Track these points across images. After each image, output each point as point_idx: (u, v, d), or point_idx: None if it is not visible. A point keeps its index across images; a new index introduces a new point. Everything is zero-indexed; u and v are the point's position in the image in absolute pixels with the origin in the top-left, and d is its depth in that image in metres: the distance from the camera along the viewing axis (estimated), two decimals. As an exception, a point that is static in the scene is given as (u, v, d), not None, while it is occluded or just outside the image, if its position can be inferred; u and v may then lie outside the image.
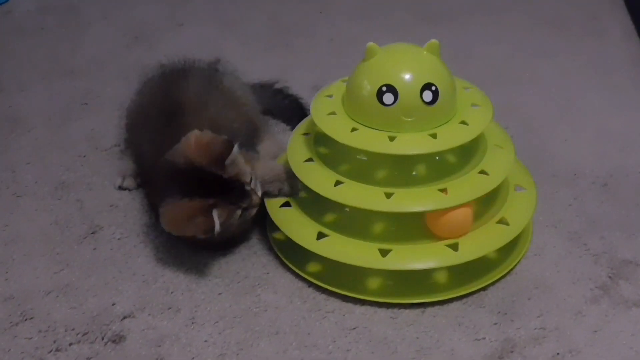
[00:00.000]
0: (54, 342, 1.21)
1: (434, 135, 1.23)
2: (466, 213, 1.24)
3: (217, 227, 1.21)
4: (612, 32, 2.03)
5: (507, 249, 1.31)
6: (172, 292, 1.29)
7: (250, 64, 1.77)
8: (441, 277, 1.28)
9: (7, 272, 1.34)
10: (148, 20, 2.15)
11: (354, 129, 1.25)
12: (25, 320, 1.25)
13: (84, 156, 1.61)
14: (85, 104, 1.79)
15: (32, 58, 2.00)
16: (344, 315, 1.24)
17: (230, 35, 2.07)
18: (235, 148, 1.24)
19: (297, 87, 1.70)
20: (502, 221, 1.28)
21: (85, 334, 1.22)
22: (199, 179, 1.23)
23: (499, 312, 1.24)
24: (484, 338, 1.20)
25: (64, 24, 2.16)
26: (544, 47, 1.98)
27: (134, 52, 2.00)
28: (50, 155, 1.62)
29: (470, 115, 1.27)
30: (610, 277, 1.30)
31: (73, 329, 1.23)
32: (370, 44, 1.25)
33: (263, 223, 1.40)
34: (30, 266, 1.35)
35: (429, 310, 1.24)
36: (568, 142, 1.62)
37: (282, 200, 1.33)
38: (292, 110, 1.63)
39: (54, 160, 1.61)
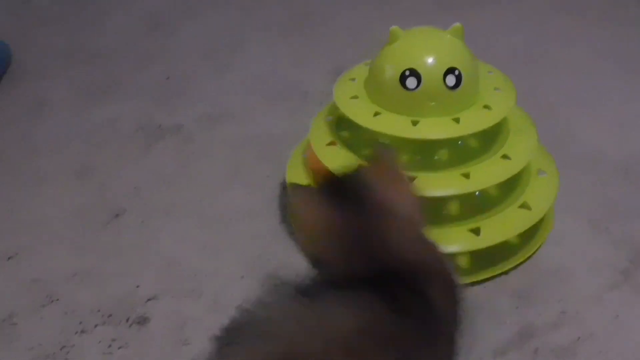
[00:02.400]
0: (80, 323, 1.22)
1: (457, 120, 1.23)
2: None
3: None
4: (633, 17, 2.02)
5: (529, 234, 1.30)
6: (195, 276, 1.30)
7: (269, 50, 1.78)
8: (463, 261, 1.28)
9: (32, 256, 1.35)
10: (167, 8, 2.16)
11: (376, 113, 1.25)
12: (51, 302, 1.26)
13: (106, 141, 1.63)
14: (106, 90, 1.80)
15: (53, 45, 2.01)
16: (365, 299, 1.25)
17: (248, 22, 2.07)
18: None
19: (315, 73, 1.70)
20: (524, 206, 1.28)
21: (109, 315, 1.23)
22: None
23: (520, 296, 1.24)
24: (505, 322, 1.20)
25: (83, 12, 2.17)
26: (565, 33, 1.97)
27: (154, 39, 2.01)
28: (72, 141, 1.63)
29: (493, 100, 1.27)
30: (630, 262, 1.30)
31: (98, 311, 1.24)
32: (394, 27, 1.25)
33: (285, 208, 1.41)
34: (55, 250, 1.37)
35: (450, 294, 1.25)
36: (589, 128, 1.61)
37: (305, 183, 1.34)
38: None
39: (76, 146, 1.62)
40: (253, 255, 1.33)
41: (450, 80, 1.22)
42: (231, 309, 1.22)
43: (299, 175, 1.36)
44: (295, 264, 1.31)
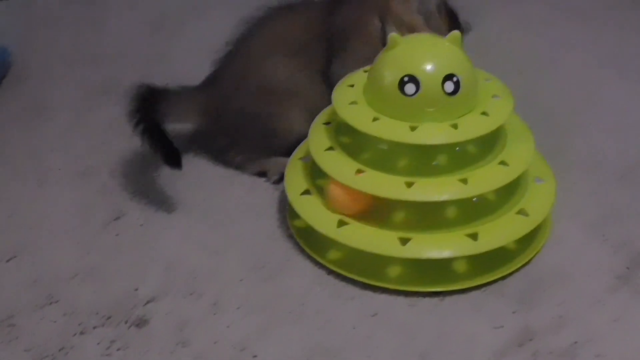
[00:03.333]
0: (79, 325, 1.23)
1: (455, 126, 1.24)
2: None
3: None
4: (633, 23, 2.03)
5: (527, 239, 1.31)
6: (194, 278, 1.31)
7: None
8: (461, 266, 1.29)
9: (32, 256, 1.36)
10: (170, 9, 2.16)
11: (375, 119, 1.26)
12: (51, 303, 1.27)
13: (108, 143, 1.64)
14: (108, 92, 1.81)
15: (55, 46, 2.02)
16: (364, 302, 1.26)
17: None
18: None
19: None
20: (521, 212, 1.29)
21: (109, 317, 1.24)
22: None
23: (518, 300, 1.25)
24: (503, 326, 1.21)
25: (86, 13, 2.18)
26: (564, 38, 1.98)
27: (157, 41, 2.02)
28: (74, 142, 1.64)
29: (491, 106, 1.28)
30: (628, 267, 1.30)
31: (97, 313, 1.25)
32: (393, 34, 1.26)
33: (284, 211, 1.42)
34: (55, 250, 1.38)
35: (448, 298, 1.26)
36: (588, 133, 1.62)
37: (303, 187, 1.35)
38: None
39: (78, 147, 1.63)
40: (253, 257, 1.35)
41: (449, 86, 1.23)
42: (231, 311, 1.24)
43: (297, 179, 1.37)
44: (294, 266, 1.32)
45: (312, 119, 1.41)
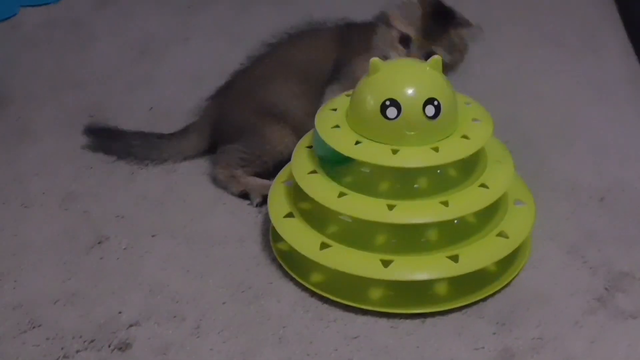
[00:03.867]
0: (62, 349, 1.23)
1: (435, 149, 1.26)
2: None
3: None
4: (610, 49, 2.06)
5: (507, 261, 1.33)
6: (177, 302, 1.32)
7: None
8: (441, 288, 1.30)
9: (15, 281, 1.36)
10: (155, 35, 2.18)
11: (357, 142, 1.27)
12: (34, 327, 1.27)
13: (91, 167, 1.64)
14: (92, 116, 1.82)
15: (40, 71, 2.03)
16: (346, 325, 1.26)
17: (237, 49, 2.08)
18: None
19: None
20: (501, 234, 1.30)
21: (92, 341, 1.24)
22: None
23: (498, 322, 1.26)
24: (483, 347, 1.22)
25: (71, 37, 2.19)
26: (543, 63, 2.01)
27: (141, 66, 2.03)
28: (57, 166, 1.65)
29: (472, 130, 1.30)
30: (607, 289, 1.32)
31: (80, 337, 1.25)
32: (374, 59, 1.28)
33: (267, 234, 1.43)
34: (38, 275, 1.38)
35: (430, 320, 1.27)
36: (566, 157, 1.65)
37: (286, 210, 1.36)
38: None
39: (61, 172, 1.63)
40: (236, 281, 1.35)
41: (430, 110, 1.25)
42: (214, 334, 1.24)
43: (280, 202, 1.38)
44: (277, 289, 1.33)
45: None
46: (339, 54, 1.53)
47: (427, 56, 1.35)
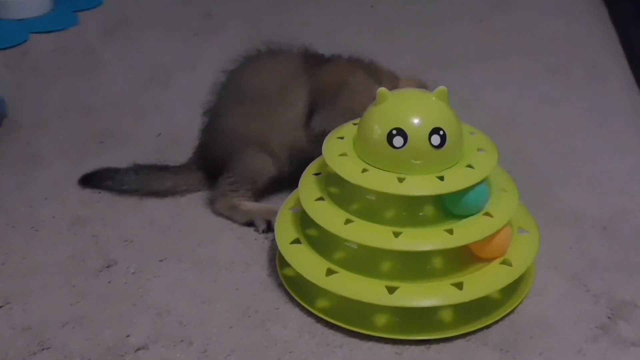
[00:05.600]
0: (70, 372, 1.25)
1: (441, 178, 1.27)
2: (508, 232, 1.32)
3: None
4: (612, 80, 2.09)
5: (510, 289, 1.34)
6: (185, 325, 1.33)
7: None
8: (446, 315, 1.31)
9: (25, 303, 1.38)
10: (162, 62, 2.21)
11: (364, 170, 1.29)
12: (43, 350, 1.28)
13: (100, 192, 1.66)
14: (102, 142, 1.84)
15: (49, 96, 2.05)
16: (351, 350, 1.28)
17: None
18: None
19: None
20: (505, 262, 1.32)
21: (100, 364, 1.26)
22: None
23: (502, 349, 1.27)
24: (487, 375, 1.24)
25: (80, 64, 2.22)
26: (546, 94, 2.03)
27: (149, 93, 2.06)
28: (67, 191, 1.67)
29: (476, 159, 1.32)
30: (609, 317, 1.33)
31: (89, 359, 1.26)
32: (381, 89, 1.31)
33: (274, 259, 1.45)
34: (47, 298, 1.39)
35: (434, 347, 1.28)
36: (569, 186, 1.67)
37: (293, 236, 1.38)
38: None
39: (70, 196, 1.65)
40: (242, 306, 1.36)
41: (435, 139, 1.27)
42: (220, 358, 1.25)
43: (287, 228, 1.40)
44: (283, 315, 1.34)
45: (284, 164, 1.53)
46: (318, 84, 1.56)
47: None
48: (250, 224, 1.55)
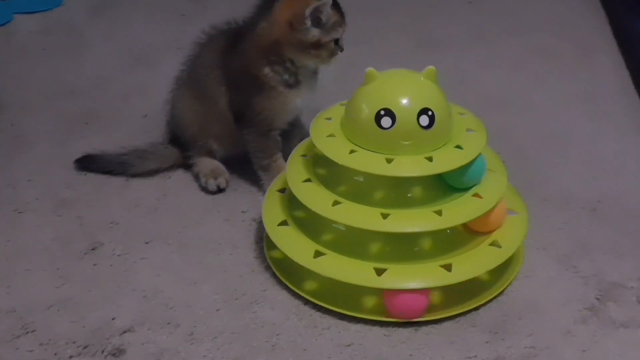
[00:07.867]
0: (55, 354, 1.23)
1: (429, 159, 1.27)
2: (504, 206, 1.33)
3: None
4: (602, 62, 2.08)
5: (499, 271, 1.34)
6: (171, 308, 1.32)
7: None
8: (435, 297, 1.31)
9: (9, 286, 1.36)
10: (148, 43, 2.19)
11: (352, 151, 1.28)
12: (27, 333, 1.27)
13: (85, 174, 1.64)
14: (87, 123, 1.82)
15: (35, 78, 2.03)
16: (339, 332, 1.27)
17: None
18: None
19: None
20: (494, 244, 1.31)
21: (85, 347, 1.24)
22: None
23: (491, 331, 1.27)
24: (476, 356, 1.23)
25: (65, 45, 2.19)
26: (537, 76, 2.02)
27: (135, 74, 2.04)
28: (51, 173, 1.65)
29: (465, 140, 1.31)
30: (598, 298, 1.33)
31: (74, 342, 1.25)
32: (370, 69, 1.29)
33: (261, 241, 1.44)
34: (32, 280, 1.38)
35: (423, 328, 1.27)
36: (559, 168, 1.66)
37: (280, 218, 1.37)
38: None
39: (55, 178, 1.63)
40: (229, 288, 1.36)
41: (424, 120, 1.26)
42: (208, 341, 1.24)
43: (274, 210, 1.39)
44: (271, 297, 1.33)
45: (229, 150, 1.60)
46: (228, 74, 1.57)
47: None
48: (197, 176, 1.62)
